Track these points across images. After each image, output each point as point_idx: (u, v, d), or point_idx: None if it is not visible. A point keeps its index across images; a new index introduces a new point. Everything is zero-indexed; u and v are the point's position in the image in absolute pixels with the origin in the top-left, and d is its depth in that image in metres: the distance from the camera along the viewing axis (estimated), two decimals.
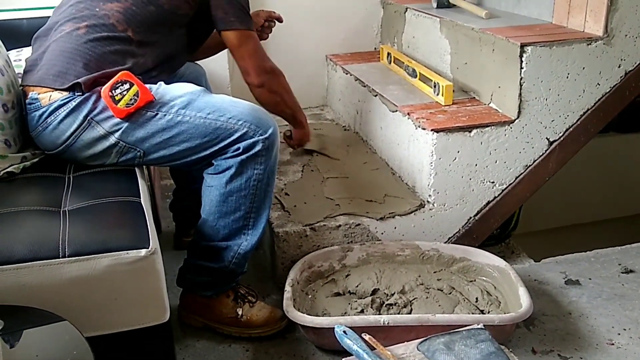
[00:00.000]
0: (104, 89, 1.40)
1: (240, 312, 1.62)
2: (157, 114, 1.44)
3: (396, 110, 1.99)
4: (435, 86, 1.99)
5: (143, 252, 1.20)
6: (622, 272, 1.89)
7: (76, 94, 1.43)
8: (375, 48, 2.70)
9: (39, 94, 1.46)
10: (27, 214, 1.30)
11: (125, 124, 1.43)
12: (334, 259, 1.79)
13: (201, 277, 1.60)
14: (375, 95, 2.14)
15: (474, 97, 1.99)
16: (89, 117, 1.43)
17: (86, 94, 1.42)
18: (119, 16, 1.49)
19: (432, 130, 1.78)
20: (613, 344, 1.59)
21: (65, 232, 1.22)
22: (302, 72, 2.68)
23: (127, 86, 1.40)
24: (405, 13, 2.42)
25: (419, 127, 1.84)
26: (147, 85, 1.44)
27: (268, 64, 1.69)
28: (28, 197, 1.37)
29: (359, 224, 1.81)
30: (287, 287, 1.63)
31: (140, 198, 1.39)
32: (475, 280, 1.76)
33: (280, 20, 2.02)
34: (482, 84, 1.95)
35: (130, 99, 1.40)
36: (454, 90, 2.00)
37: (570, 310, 1.73)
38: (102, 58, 1.46)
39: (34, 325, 1.08)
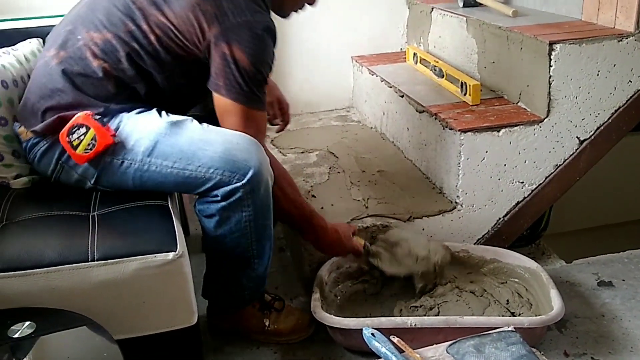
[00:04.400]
0: (61, 134, 1.33)
1: (267, 323, 1.59)
2: (123, 161, 1.35)
3: (423, 111, 1.97)
4: (462, 86, 1.97)
5: (170, 255, 1.21)
6: None
7: (44, 137, 1.39)
8: (401, 49, 2.68)
9: (19, 127, 1.44)
10: (58, 218, 1.32)
11: (95, 172, 1.37)
12: (361, 260, 1.78)
13: (223, 297, 1.58)
14: (402, 96, 2.13)
15: (502, 97, 1.96)
16: (60, 162, 1.39)
17: (54, 137, 1.37)
18: (96, 49, 1.37)
19: (459, 130, 1.76)
20: None
21: (94, 236, 1.24)
22: (328, 74, 2.69)
23: (83, 130, 1.31)
24: (431, 13, 2.40)
25: (447, 127, 1.82)
26: (112, 123, 1.36)
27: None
28: (58, 202, 1.39)
29: (386, 226, 1.80)
30: (315, 288, 1.63)
31: (167, 202, 1.41)
32: (506, 282, 1.74)
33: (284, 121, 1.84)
34: (510, 83, 1.93)
35: (88, 144, 1.31)
36: (481, 90, 1.97)
37: (603, 312, 1.70)
38: (70, 96, 1.37)
39: (65, 328, 1.09)
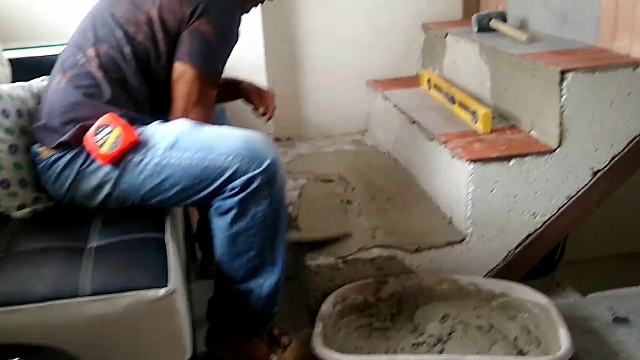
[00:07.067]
0: (88, 135, 1.38)
1: (274, 359, 1.56)
2: (143, 158, 1.38)
3: (433, 139, 1.94)
4: (473, 114, 1.94)
5: (162, 291, 1.20)
6: None
7: (67, 149, 1.42)
8: (417, 73, 2.66)
9: (40, 147, 1.46)
10: (55, 251, 1.31)
11: (115, 173, 1.39)
12: (368, 292, 1.75)
13: (232, 321, 1.54)
14: (413, 123, 2.10)
15: (514, 125, 1.92)
16: (81, 170, 1.41)
17: (78, 148, 1.41)
18: (97, 62, 1.45)
19: (468, 160, 1.72)
20: None
21: (87, 271, 1.23)
22: (343, 98, 2.68)
23: (108, 129, 1.36)
24: (445, 38, 2.37)
25: (455, 156, 1.79)
26: (138, 127, 1.41)
27: (194, 116, 1.47)
28: (57, 234, 1.39)
29: (393, 257, 1.77)
30: (318, 322, 1.60)
31: (164, 234, 1.40)
32: (515, 317, 1.69)
33: (266, 114, 1.82)
34: (522, 111, 1.89)
35: (113, 143, 1.36)
36: (493, 117, 1.94)
37: (618, 351, 1.63)
38: (87, 107, 1.42)
39: None
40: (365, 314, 1.73)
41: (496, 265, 1.84)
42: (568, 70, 1.68)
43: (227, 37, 1.53)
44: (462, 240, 1.80)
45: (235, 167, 1.36)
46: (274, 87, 2.46)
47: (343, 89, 2.67)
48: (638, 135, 1.78)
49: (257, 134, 1.43)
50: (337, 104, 2.69)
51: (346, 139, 2.67)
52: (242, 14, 1.60)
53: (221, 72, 1.57)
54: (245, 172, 1.36)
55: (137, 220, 1.44)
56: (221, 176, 1.36)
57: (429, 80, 2.37)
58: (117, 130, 1.36)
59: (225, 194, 1.38)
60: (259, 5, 1.71)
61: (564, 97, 1.69)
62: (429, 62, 2.57)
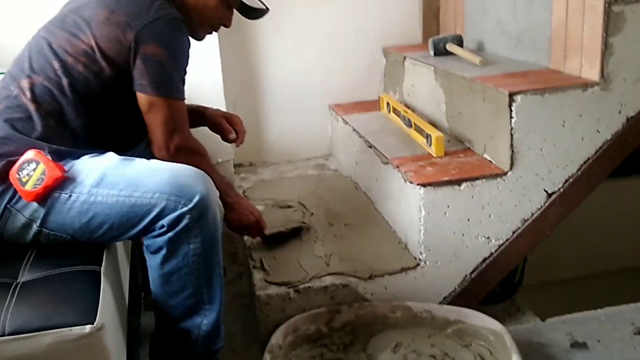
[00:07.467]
0: (11, 172, 1.32)
1: None
2: (70, 195, 1.33)
3: (387, 163, 1.91)
4: (427, 137, 1.92)
5: (87, 328, 1.15)
6: (635, 334, 1.75)
7: None
8: (379, 97, 2.64)
9: None
10: None
11: (43, 210, 1.33)
12: (320, 322, 1.70)
13: (173, 355, 1.49)
14: (370, 147, 2.08)
15: (469, 148, 1.90)
16: (8, 207, 1.35)
17: (5, 184, 1.34)
18: (30, 94, 1.39)
19: (419, 184, 1.69)
20: None
21: (9, 308, 1.17)
22: (306, 123, 2.66)
23: (33, 165, 1.31)
24: (404, 62, 2.36)
25: (407, 180, 1.76)
26: (69, 161, 1.36)
27: (177, 140, 1.47)
28: None
29: (346, 285, 1.72)
30: (266, 355, 1.55)
31: (101, 267, 1.35)
32: (470, 345, 1.64)
33: (236, 141, 1.80)
34: (475, 134, 1.87)
35: (38, 179, 1.30)
36: (448, 141, 1.92)
37: None
38: (15, 141, 1.36)
39: None
40: (318, 344, 1.68)
41: (452, 291, 1.81)
42: (517, 93, 1.66)
43: (180, 57, 1.48)
44: (417, 266, 1.76)
45: (162, 204, 1.31)
46: (234, 112, 2.43)
47: (306, 114, 2.65)
48: (591, 157, 1.76)
49: (187, 168, 1.37)
50: (300, 128, 2.67)
51: (309, 164, 2.65)
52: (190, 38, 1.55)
53: (183, 86, 1.52)
54: (173, 210, 1.31)
55: (73, 253, 1.38)
56: (149, 214, 1.32)
57: (388, 104, 2.36)
58: (42, 167, 1.30)
59: (155, 232, 1.34)
60: (213, 32, 1.68)
61: (513, 119, 1.67)
62: (390, 85, 2.56)
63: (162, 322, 1.46)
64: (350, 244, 1.90)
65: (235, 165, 2.56)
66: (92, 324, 1.15)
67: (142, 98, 1.43)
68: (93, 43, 1.41)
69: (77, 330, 1.14)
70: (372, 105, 2.55)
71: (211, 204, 1.35)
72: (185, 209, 1.31)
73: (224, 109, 2.29)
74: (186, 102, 1.83)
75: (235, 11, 1.67)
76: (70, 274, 1.30)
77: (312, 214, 2.12)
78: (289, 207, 2.19)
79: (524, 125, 1.68)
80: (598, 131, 1.74)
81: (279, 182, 2.46)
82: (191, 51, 1.53)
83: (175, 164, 1.39)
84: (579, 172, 1.76)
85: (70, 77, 1.41)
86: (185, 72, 1.50)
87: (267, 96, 2.60)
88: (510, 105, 1.66)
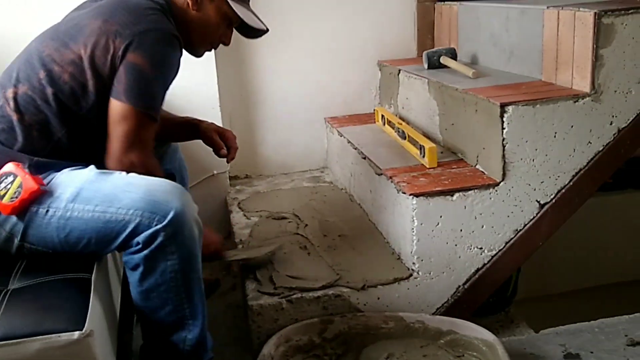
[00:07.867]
0: None
1: None
2: (48, 210, 1.32)
3: (381, 174, 1.92)
4: (420, 148, 1.93)
5: (76, 334, 1.15)
6: (628, 345, 1.74)
7: None
8: (374, 110, 2.66)
9: None
10: None
11: (22, 225, 1.32)
12: (313, 333, 1.70)
13: None
14: (364, 158, 2.08)
15: (462, 159, 1.91)
16: None
17: None
18: (13, 104, 1.38)
19: (411, 194, 1.70)
20: None
21: None
22: (302, 135, 2.67)
23: (10, 179, 1.30)
24: (398, 75, 2.38)
25: (400, 191, 1.77)
26: (49, 174, 1.35)
27: (134, 157, 1.40)
28: None
29: (338, 295, 1.72)
30: None
31: (92, 274, 1.35)
32: (463, 356, 1.64)
33: (227, 156, 1.77)
34: (468, 145, 1.88)
35: (15, 192, 1.29)
36: (442, 152, 1.92)
37: None
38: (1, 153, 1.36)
39: None
40: (310, 355, 1.67)
41: (445, 302, 1.80)
42: (508, 104, 1.67)
43: (163, 70, 1.43)
44: (409, 276, 1.76)
45: (137, 221, 1.29)
46: (230, 125, 2.46)
47: (301, 127, 2.66)
48: (583, 168, 1.77)
49: (164, 183, 1.35)
50: (296, 141, 2.68)
51: (305, 176, 2.65)
52: (182, 53, 1.52)
53: (159, 106, 1.47)
54: (148, 227, 1.29)
55: (64, 261, 1.39)
56: (124, 230, 1.30)
57: (382, 117, 2.37)
58: (19, 180, 1.30)
59: (132, 249, 1.32)
60: (212, 50, 1.68)
61: (505, 130, 1.68)
62: (385, 98, 2.58)
63: (148, 335, 1.45)
64: (344, 255, 1.90)
65: (230, 178, 2.57)
66: (81, 330, 1.16)
67: (113, 104, 1.38)
68: (82, 52, 1.39)
69: (65, 336, 1.15)
70: (367, 118, 2.56)
71: (187, 220, 1.32)
72: (159, 225, 1.29)
73: (220, 122, 2.32)
74: (182, 114, 1.87)
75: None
76: (61, 281, 1.31)
77: (307, 225, 2.12)
78: (284, 218, 2.20)
79: (515, 136, 1.69)
80: (589, 142, 1.75)
81: (274, 194, 2.47)
82: (188, 65, 1.52)
83: (153, 178, 1.37)
84: (571, 183, 1.77)
85: (55, 86, 1.39)
86: (165, 89, 1.46)
87: (263, 109, 2.61)
88: (501, 116, 1.67)
